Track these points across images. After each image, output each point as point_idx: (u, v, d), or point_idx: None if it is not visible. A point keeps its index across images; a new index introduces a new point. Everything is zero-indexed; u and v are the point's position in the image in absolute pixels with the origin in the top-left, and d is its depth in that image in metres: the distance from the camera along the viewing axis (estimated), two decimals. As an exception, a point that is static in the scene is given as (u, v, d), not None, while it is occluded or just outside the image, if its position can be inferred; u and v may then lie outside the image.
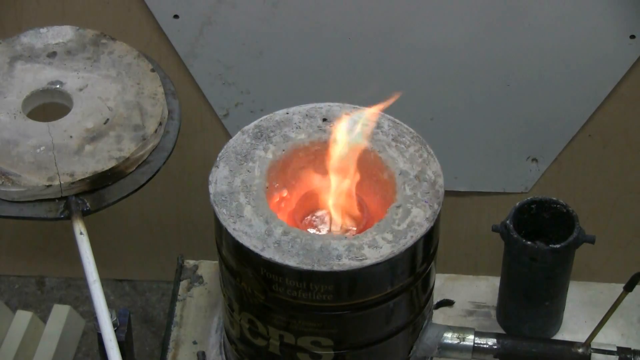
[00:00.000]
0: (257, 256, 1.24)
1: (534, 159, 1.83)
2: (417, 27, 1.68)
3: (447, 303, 1.56)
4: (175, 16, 1.70)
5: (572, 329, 1.52)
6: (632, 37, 1.66)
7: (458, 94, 1.76)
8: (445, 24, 1.67)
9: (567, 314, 1.53)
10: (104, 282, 1.34)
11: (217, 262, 1.38)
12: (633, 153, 1.82)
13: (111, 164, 1.38)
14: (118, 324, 1.33)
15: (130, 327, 1.37)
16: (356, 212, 1.35)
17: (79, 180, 1.36)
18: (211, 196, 1.30)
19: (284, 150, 1.36)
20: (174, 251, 1.67)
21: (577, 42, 1.67)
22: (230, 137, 1.38)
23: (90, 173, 1.37)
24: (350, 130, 1.35)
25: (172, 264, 1.63)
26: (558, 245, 1.39)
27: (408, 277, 1.29)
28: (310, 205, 1.38)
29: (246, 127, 1.38)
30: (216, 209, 1.28)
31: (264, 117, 1.39)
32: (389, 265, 1.24)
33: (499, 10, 1.65)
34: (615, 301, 1.37)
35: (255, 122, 1.39)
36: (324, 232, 1.36)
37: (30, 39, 1.53)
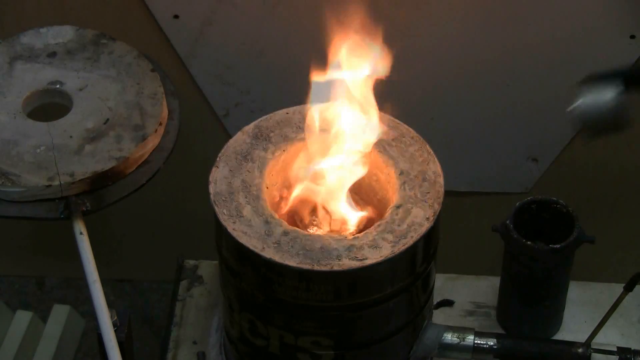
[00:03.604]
0: (257, 256, 1.24)
1: (534, 159, 1.83)
2: (417, 27, 1.67)
3: (447, 303, 1.56)
4: (175, 16, 1.69)
5: (572, 329, 1.52)
6: (632, 37, 1.66)
7: (458, 94, 1.75)
8: (445, 24, 1.67)
9: (567, 314, 1.53)
10: (104, 282, 1.34)
11: (217, 262, 1.38)
12: (633, 153, 1.82)
13: (111, 164, 1.38)
14: (118, 324, 1.33)
15: (130, 327, 1.36)
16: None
17: (79, 180, 1.36)
18: (211, 196, 1.30)
19: (284, 150, 1.36)
20: (174, 251, 1.67)
21: (577, 42, 1.67)
22: (230, 137, 1.38)
23: (90, 173, 1.37)
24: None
25: (172, 264, 1.63)
26: (558, 245, 1.39)
27: (408, 277, 1.29)
28: (309, 205, 1.38)
29: (246, 127, 1.38)
30: (216, 209, 1.28)
31: (264, 117, 1.39)
32: (389, 265, 1.24)
33: (499, 10, 1.65)
34: (615, 301, 1.37)
35: (255, 122, 1.39)
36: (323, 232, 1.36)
37: (30, 39, 1.53)
